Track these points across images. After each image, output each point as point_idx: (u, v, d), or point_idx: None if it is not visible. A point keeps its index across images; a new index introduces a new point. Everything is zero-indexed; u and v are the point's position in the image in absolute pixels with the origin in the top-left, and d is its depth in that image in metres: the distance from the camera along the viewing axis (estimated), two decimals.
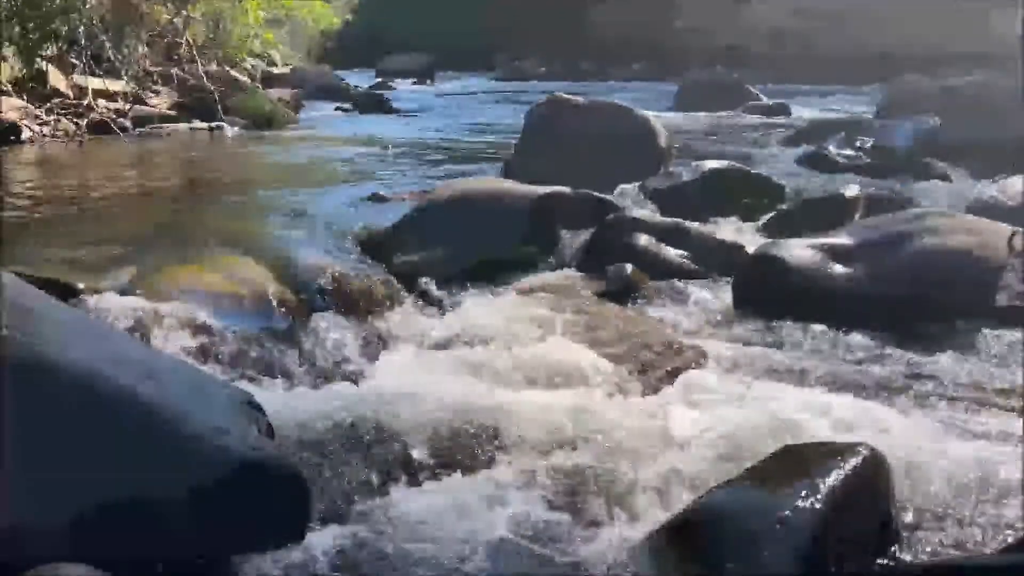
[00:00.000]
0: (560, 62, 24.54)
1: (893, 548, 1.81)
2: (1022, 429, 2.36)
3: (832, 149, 6.58)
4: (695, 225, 4.37)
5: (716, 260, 4.07)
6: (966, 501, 1.97)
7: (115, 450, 1.65)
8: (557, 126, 5.97)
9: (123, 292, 2.92)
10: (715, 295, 3.72)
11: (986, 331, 3.13)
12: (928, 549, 1.81)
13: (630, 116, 6.08)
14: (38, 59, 8.51)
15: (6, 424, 1.59)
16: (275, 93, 11.99)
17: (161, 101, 9.98)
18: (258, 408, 2.00)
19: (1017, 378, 2.78)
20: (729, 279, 3.82)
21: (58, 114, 8.22)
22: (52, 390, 1.66)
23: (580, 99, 6.23)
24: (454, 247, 3.91)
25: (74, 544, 1.55)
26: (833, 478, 1.77)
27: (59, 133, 7.98)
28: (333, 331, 3.10)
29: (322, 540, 1.84)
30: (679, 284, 3.86)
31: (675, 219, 4.39)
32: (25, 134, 7.61)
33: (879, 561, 1.75)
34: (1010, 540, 1.77)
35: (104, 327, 2.41)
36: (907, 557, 1.78)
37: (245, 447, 1.76)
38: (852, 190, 5.03)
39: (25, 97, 8.24)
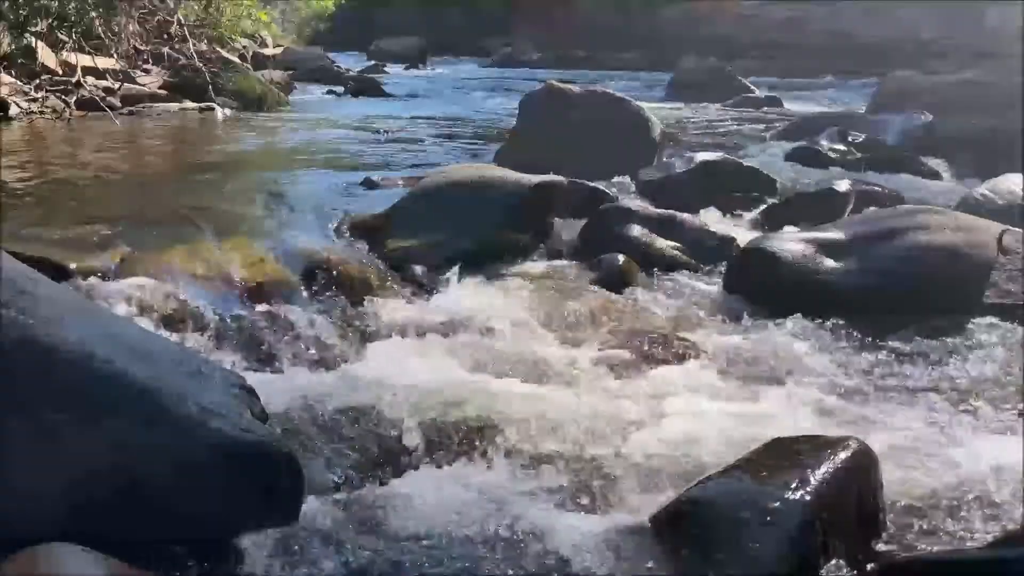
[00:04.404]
0: (553, 49, 24.45)
1: (880, 541, 1.83)
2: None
3: (824, 143, 6.59)
4: (687, 216, 4.39)
5: (708, 251, 4.09)
6: (954, 495, 1.99)
7: (109, 431, 1.65)
8: (551, 115, 5.96)
9: (114, 273, 2.91)
10: (706, 286, 3.74)
11: (974, 328, 3.16)
12: (915, 543, 1.83)
13: (624, 106, 6.08)
14: (27, 35, 8.40)
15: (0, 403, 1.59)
16: (266, 74, 11.89)
17: (151, 80, 9.87)
18: (251, 391, 2.01)
19: (1004, 374, 2.81)
20: (720, 270, 3.83)
21: (47, 91, 8.12)
22: (47, 369, 1.65)
23: (575, 88, 6.22)
24: (446, 234, 3.90)
25: (68, 524, 1.55)
26: (822, 471, 1.80)
27: (47, 110, 7.89)
28: (324, 316, 3.10)
29: (315, 521, 1.85)
30: (671, 275, 3.88)
31: (667, 210, 4.40)
32: (13, 111, 7.52)
33: (866, 553, 1.77)
34: (997, 535, 1.79)
35: (97, 307, 2.40)
36: (894, 550, 1.80)
37: (239, 429, 1.76)
38: (843, 185, 5.05)
39: (13, 73, 8.14)
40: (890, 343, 3.07)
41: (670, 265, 3.96)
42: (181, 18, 11.23)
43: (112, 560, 1.44)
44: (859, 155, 6.38)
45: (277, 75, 12.31)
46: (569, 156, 5.23)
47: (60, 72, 8.60)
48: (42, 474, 1.59)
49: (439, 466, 2.17)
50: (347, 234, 4.02)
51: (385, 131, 8.12)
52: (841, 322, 3.22)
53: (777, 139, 7.67)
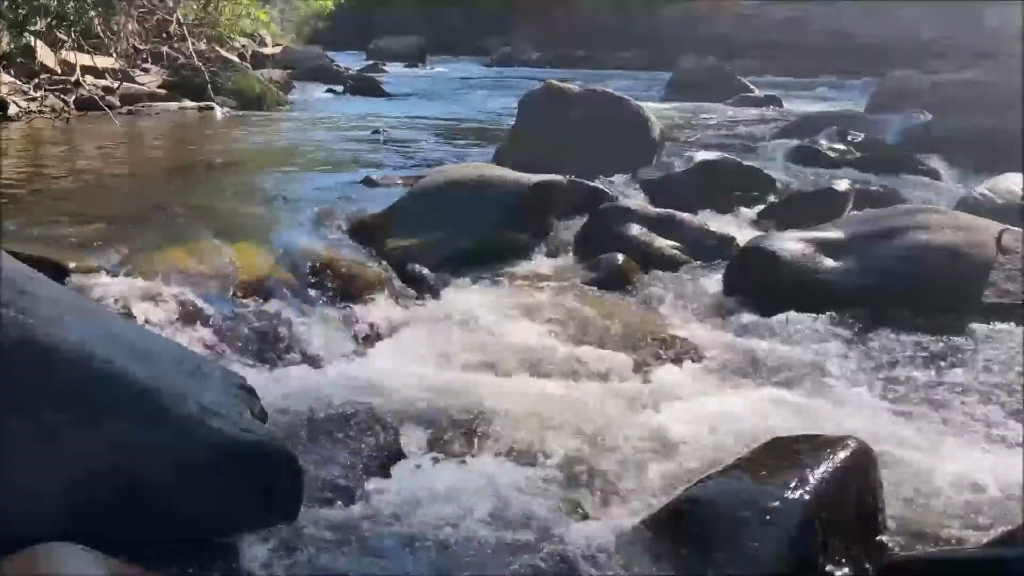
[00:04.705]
0: (552, 48, 24.46)
1: (879, 540, 1.83)
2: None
3: (823, 143, 6.60)
4: (687, 215, 4.39)
5: (707, 251, 4.09)
6: (953, 494, 1.99)
7: (109, 431, 1.65)
8: (551, 114, 5.95)
9: (114, 272, 2.91)
10: (706, 286, 3.74)
11: (973, 327, 3.16)
12: (915, 542, 1.84)
13: (623, 105, 6.07)
14: (26, 34, 8.40)
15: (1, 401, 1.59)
16: (265, 73, 11.88)
17: (150, 79, 9.87)
18: (250, 390, 2.01)
19: (1003, 373, 2.81)
20: (720, 270, 3.83)
21: (46, 90, 8.12)
22: (47, 368, 1.65)
23: (574, 87, 6.21)
24: (446, 233, 3.90)
25: (68, 524, 1.55)
26: (821, 470, 1.79)
27: (46, 109, 7.88)
28: (324, 315, 3.10)
29: (314, 520, 1.85)
30: (670, 274, 3.87)
31: (667, 209, 4.40)
32: (12, 110, 7.51)
33: (866, 552, 1.77)
34: (996, 534, 1.79)
35: (97, 307, 2.40)
36: (893, 549, 1.80)
37: (239, 429, 1.77)
38: (842, 184, 5.06)
39: (12, 72, 8.13)
40: (889, 342, 3.07)
41: (670, 264, 3.96)
42: (180, 17, 11.22)
43: (112, 560, 1.44)
44: (858, 154, 6.39)
45: (276, 74, 12.30)
46: (568, 155, 5.23)
47: (59, 71, 8.60)
48: (42, 474, 1.59)
49: (438, 466, 2.17)
50: (347, 233, 4.02)
51: (384, 130, 8.11)
52: (840, 321, 3.22)
53: (777, 138, 7.67)
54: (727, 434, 2.29)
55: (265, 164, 6.42)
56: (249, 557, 1.70)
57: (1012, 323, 3.17)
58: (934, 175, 6.07)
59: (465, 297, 3.42)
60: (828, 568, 1.69)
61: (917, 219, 3.71)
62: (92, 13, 8.93)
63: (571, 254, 4.09)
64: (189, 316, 2.79)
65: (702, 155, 5.52)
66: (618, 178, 5.41)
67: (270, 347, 2.80)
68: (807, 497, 1.72)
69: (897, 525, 1.88)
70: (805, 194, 5.10)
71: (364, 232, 4.01)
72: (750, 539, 1.66)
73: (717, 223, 4.55)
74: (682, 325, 3.27)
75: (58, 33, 8.83)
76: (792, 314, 3.28)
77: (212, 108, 9.36)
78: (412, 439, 2.28)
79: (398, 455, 2.21)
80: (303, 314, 3.03)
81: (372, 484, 2.05)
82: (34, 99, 7.90)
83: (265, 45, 17.16)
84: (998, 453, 2.20)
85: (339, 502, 1.95)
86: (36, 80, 8.17)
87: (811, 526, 1.69)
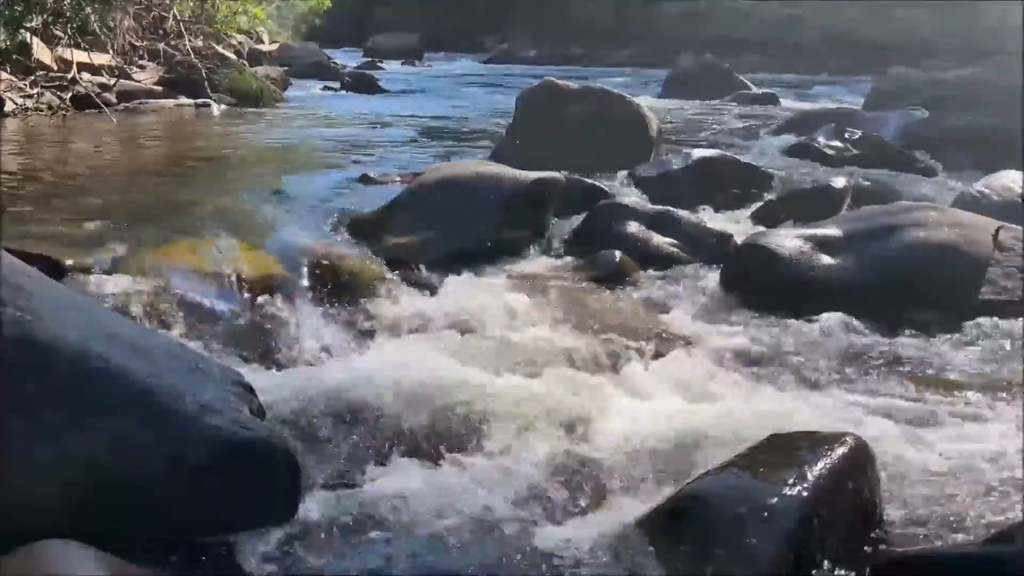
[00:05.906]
0: (550, 46, 24.45)
1: (876, 536, 1.84)
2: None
3: (821, 140, 6.59)
4: (684, 213, 4.38)
5: (705, 248, 4.08)
6: (950, 492, 2.00)
7: (108, 428, 1.65)
8: (548, 111, 5.95)
9: (111, 270, 2.90)
10: (704, 283, 3.74)
11: (970, 324, 3.17)
12: (911, 538, 1.84)
13: (621, 102, 6.07)
14: (23, 31, 8.38)
15: (0, 399, 1.58)
16: (262, 70, 11.87)
17: (147, 76, 9.85)
18: (248, 388, 2.01)
19: (1001, 370, 2.82)
20: (718, 267, 3.84)
21: (42, 87, 8.10)
22: (46, 366, 1.65)
23: (572, 84, 6.21)
24: (444, 230, 3.90)
25: (67, 522, 1.54)
26: (819, 466, 1.80)
27: (42, 106, 7.87)
28: (322, 312, 3.10)
29: (313, 518, 1.85)
30: (668, 271, 3.87)
31: (664, 206, 4.40)
32: (8, 107, 7.50)
33: (863, 549, 1.77)
34: (994, 530, 1.79)
35: (95, 304, 2.40)
36: (890, 546, 1.80)
37: (236, 426, 1.77)
38: (840, 181, 5.06)
39: (9, 69, 8.11)
40: (886, 339, 3.08)
41: (667, 261, 3.96)
42: (177, 14, 11.18)
43: (111, 557, 1.44)
44: (856, 152, 6.38)
45: (273, 71, 12.29)
46: (566, 152, 5.22)
47: (56, 68, 8.58)
48: (41, 471, 1.59)
49: (437, 464, 2.17)
50: (344, 230, 4.02)
51: (382, 127, 8.10)
52: (837, 318, 3.22)
53: (774, 136, 7.67)
54: (725, 431, 2.28)
55: (262, 161, 6.42)
56: (248, 555, 1.70)
57: (1009, 319, 3.17)
58: (931, 172, 6.07)
59: (462, 294, 3.41)
60: (826, 565, 1.69)
61: (914, 216, 3.71)
62: (89, 10, 8.90)
63: (569, 251, 4.09)
64: (187, 313, 2.79)
65: (700, 152, 5.52)
66: (616, 175, 5.41)
67: (267, 344, 2.80)
68: (805, 494, 1.72)
69: (895, 522, 1.89)
70: (802, 191, 5.09)
71: (362, 229, 4.01)
72: (748, 536, 1.66)
73: (714, 220, 4.55)
74: (679, 322, 3.27)
75: (55, 30, 8.81)
76: (789, 311, 3.29)
77: (209, 105, 9.36)
78: (411, 437, 2.27)
79: (396, 453, 2.20)
80: (301, 311, 3.03)
81: (371, 482, 2.05)
82: (30, 96, 7.88)
83: (262, 42, 17.13)
84: (997, 450, 2.20)
85: (338, 500, 1.95)
86: (32, 77, 8.16)
87: (809, 523, 1.69)
